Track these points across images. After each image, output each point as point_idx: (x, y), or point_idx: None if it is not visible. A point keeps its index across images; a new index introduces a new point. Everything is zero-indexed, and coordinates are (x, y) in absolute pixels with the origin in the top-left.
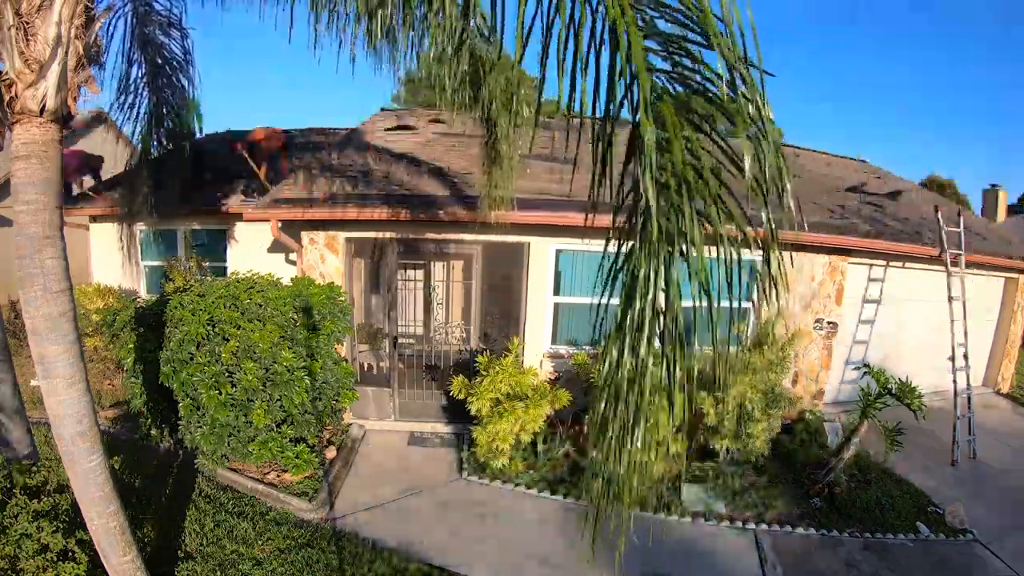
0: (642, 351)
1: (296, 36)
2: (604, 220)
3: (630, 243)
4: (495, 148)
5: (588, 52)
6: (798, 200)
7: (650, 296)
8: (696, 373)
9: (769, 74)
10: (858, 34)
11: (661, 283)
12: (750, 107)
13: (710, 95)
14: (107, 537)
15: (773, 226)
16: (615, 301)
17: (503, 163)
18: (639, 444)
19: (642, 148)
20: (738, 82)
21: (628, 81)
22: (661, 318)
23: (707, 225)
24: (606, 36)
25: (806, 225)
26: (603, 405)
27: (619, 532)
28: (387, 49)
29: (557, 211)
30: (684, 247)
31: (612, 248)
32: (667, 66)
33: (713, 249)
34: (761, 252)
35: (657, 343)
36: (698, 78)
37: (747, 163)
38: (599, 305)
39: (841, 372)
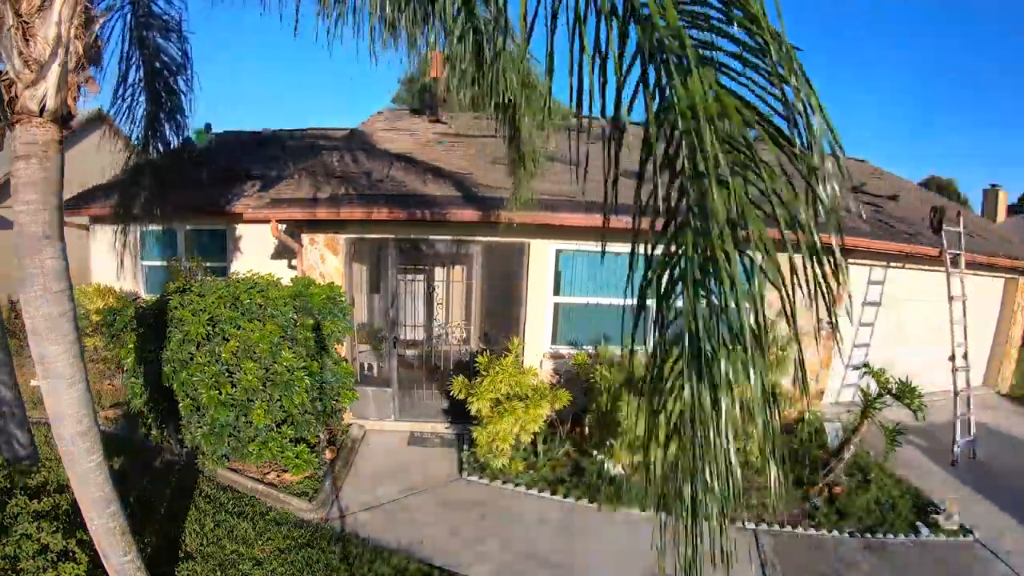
0: (724, 364)
1: (302, 33)
2: (615, 221)
3: (662, 244)
4: (518, 147)
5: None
6: (850, 174)
7: (721, 300)
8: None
9: (798, 48)
10: (858, 32)
11: (720, 284)
12: (790, 75)
13: (734, 70)
14: (107, 537)
15: (823, 210)
16: (616, 301)
17: (527, 161)
18: (733, 461)
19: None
20: (775, 54)
21: (649, 53)
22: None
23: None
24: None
25: (864, 213)
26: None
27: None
28: (404, 44)
29: (559, 211)
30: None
31: (617, 249)
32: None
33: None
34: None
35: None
36: (719, 55)
37: (815, 120)
38: (635, 308)
39: (841, 372)
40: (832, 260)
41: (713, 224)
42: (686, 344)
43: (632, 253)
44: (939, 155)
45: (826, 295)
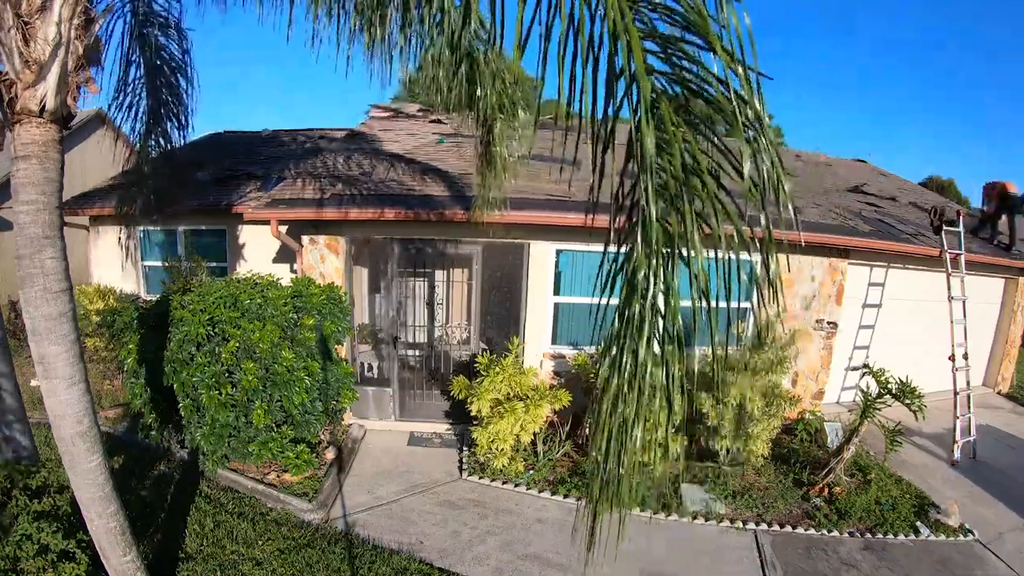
0: (641, 352)
1: (295, 38)
2: (604, 221)
3: (629, 244)
4: (489, 150)
5: (587, 53)
6: (794, 202)
7: (649, 297)
8: (696, 373)
9: (767, 77)
10: (858, 32)
11: (660, 284)
12: (748, 109)
13: (708, 96)
14: (107, 537)
15: (771, 228)
16: (616, 302)
17: (497, 165)
18: (637, 444)
19: (642, 151)
20: (735, 84)
21: (628, 82)
22: (660, 319)
23: (706, 226)
24: (606, 37)
25: (798, 227)
26: (602, 405)
27: (619, 532)
28: (386, 52)
29: (557, 211)
30: (684, 249)
31: (612, 248)
32: (666, 68)
33: (711, 250)
34: (760, 254)
35: (656, 344)
36: (696, 80)
37: (746, 165)
38: (599, 305)
39: (841, 372)
40: (768, 266)
41: (647, 223)
42: (613, 339)
43: (604, 252)
44: (939, 155)
45: (768, 295)
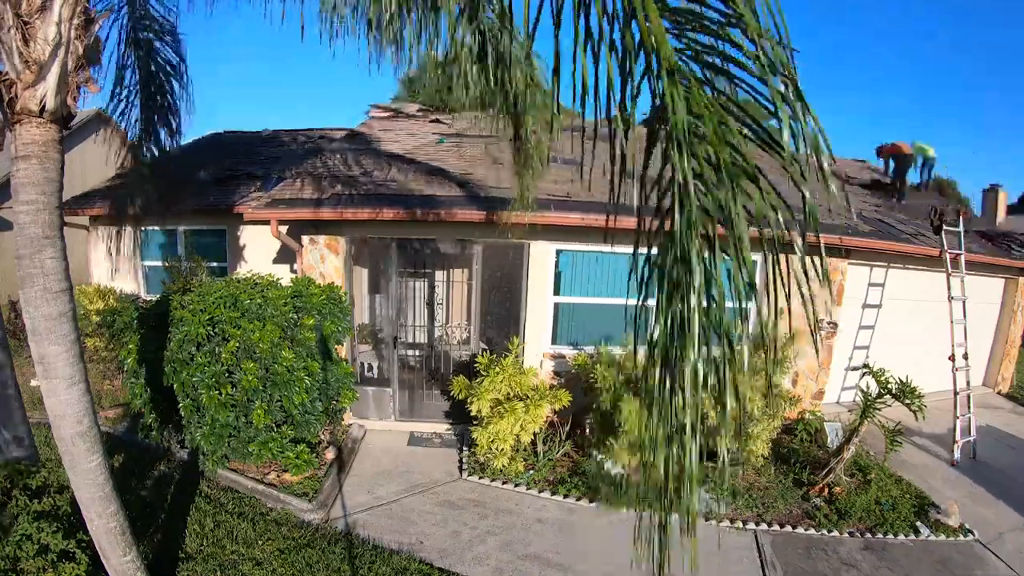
0: (692, 355)
1: (309, 36)
2: (625, 221)
3: (656, 245)
4: (523, 148)
5: (600, 28)
6: (841, 180)
7: (699, 295)
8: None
9: (794, 50)
10: (858, 32)
11: (700, 281)
12: (780, 84)
13: (734, 73)
14: (107, 537)
15: (817, 218)
16: (616, 301)
17: (533, 164)
18: (694, 456)
19: (676, 127)
20: (763, 57)
21: (647, 56)
22: (706, 318)
23: (752, 224)
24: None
25: (854, 213)
26: (648, 413)
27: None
28: (398, 45)
29: (559, 212)
30: (729, 246)
31: (628, 247)
32: (680, 45)
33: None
34: (799, 252)
35: (704, 346)
36: (716, 55)
37: (785, 135)
38: (635, 307)
39: (841, 372)
40: (818, 260)
41: (686, 221)
42: (656, 341)
43: (634, 253)
44: (940, 156)
45: (810, 294)
